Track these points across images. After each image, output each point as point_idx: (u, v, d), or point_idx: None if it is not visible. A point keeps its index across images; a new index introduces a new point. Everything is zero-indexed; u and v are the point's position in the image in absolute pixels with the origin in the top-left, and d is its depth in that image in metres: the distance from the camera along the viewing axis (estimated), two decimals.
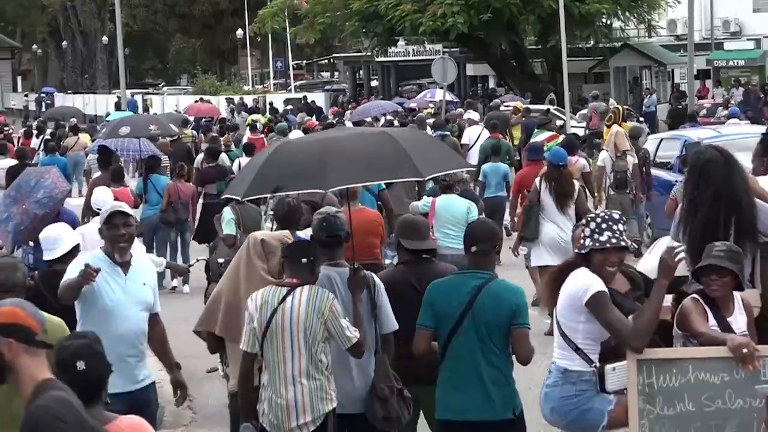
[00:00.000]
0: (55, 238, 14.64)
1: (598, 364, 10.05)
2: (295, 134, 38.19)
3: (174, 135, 41.99)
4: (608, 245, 10.02)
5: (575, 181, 22.55)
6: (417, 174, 12.74)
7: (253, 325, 11.46)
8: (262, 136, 46.07)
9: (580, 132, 48.19)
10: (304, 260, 11.74)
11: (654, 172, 29.26)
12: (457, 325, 11.37)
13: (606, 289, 9.96)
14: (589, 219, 10.50)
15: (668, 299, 10.28)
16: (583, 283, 10.00)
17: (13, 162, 30.60)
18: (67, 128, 55.11)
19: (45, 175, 20.94)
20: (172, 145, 42.28)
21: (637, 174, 28.33)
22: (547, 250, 21.03)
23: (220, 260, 17.54)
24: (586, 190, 26.63)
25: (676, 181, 25.05)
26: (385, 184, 22.61)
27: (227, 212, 19.80)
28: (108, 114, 69.23)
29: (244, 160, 31.70)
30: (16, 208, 19.64)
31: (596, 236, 10.06)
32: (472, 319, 11.28)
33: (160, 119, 46.04)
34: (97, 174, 29.61)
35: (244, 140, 38.95)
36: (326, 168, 12.58)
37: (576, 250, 10.51)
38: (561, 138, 32.79)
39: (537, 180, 22.01)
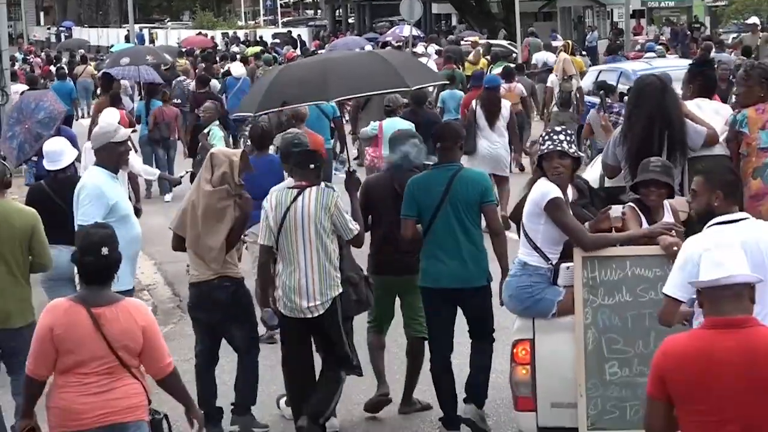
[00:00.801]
0: (59, 152, 14.64)
1: (554, 262, 10.18)
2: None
3: (167, 63, 42.20)
4: (547, 150, 10.24)
5: (507, 102, 23.43)
6: (405, 85, 13.65)
7: (268, 222, 12.04)
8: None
9: None
10: (311, 166, 12.44)
11: (591, 98, 28.40)
12: (437, 209, 12.09)
13: (561, 196, 10.11)
14: (540, 136, 10.74)
15: (619, 210, 10.54)
16: (542, 190, 10.15)
17: (25, 87, 30.30)
18: (77, 58, 54.52)
19: (43, 97, 21.40)
20: (167, 72, 41.66)
21: (581, 96, 28.95)
22: (480, 160, 21.45)
23: None
24: (527, 111, 29.88)
25: (590, 107, 26.18)
26: (363, 104, 25.35)
27: (216, 130, 20.22)
28: (112, 46, 68.62)
29: None
30: (20, 128, 20.01)
31: (541, 146, 10.37)
32: (449, 202, 12.06)
33: (156, 50, 46.90)
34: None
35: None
36: (327, 82, 13.35)
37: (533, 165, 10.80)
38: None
39: (473, 102, 22.88)
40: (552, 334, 10.08)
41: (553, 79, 31.44)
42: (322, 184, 12.29)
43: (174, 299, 19.08)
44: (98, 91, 37.28)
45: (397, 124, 20.02)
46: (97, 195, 12.35)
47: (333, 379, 12.32)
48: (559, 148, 10.22)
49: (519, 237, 10.61)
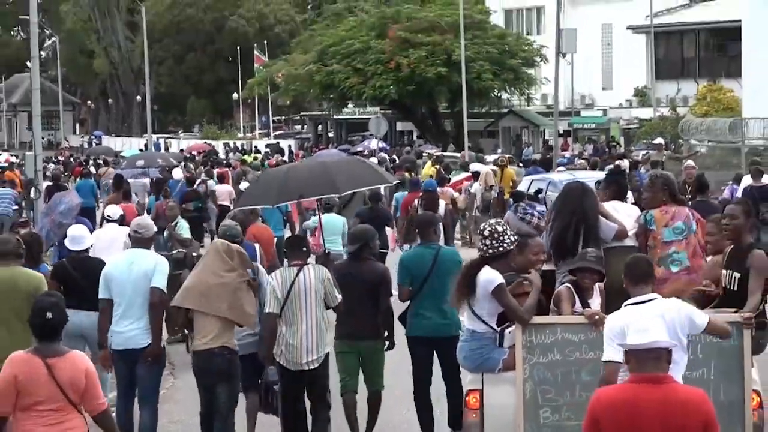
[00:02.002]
0: (81, 236, 14.93)
1: (498, 329, 10.40)
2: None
3: (173, 166, 41.61)
4: (505, 249, 10.59)
5: (443, 202, 23.95)
6: (386, 182, 16.63)
7: (276, 294, 12.28)
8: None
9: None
10: (304, 248, 13.13)
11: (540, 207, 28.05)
12: (426, 277, 13.10)
13: (504, 281, 10.32)
14: (486, 233, 10.71)
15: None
16: (488, 277, 10.33)
17: (49, 183, 30.31)
18: (101, 161, 54.26)
19: (66, 195, 22.98)
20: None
21: (499, 202, 29.92)
22: None
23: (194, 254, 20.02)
24: (456, 209, 29.77)
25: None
26: (347, 202, 24.82)
27: (182, 222, 21.40)
28: (120, 152, 69.31)
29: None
30: (47, 220, 21.05)
31: (488, 244, 10.59)
32: (435, 272, 13.01)
33: (164, 155, 47.26)
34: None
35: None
36: (334, 181, 14.27)
37: (480, 254, 10.73)
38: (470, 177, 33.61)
39: (416, 200, 23.35)
40: (497, 385, 10.27)
41: (477, 188, 31.64)
42: (311, 262, 12.98)
43: (168, 366, 18.07)
44: None
45: (333, 219, 21.61)
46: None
47: (325, 421, 12.66)
48: (501, 250, 10.58)
49: None
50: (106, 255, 15.86)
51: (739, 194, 23.70)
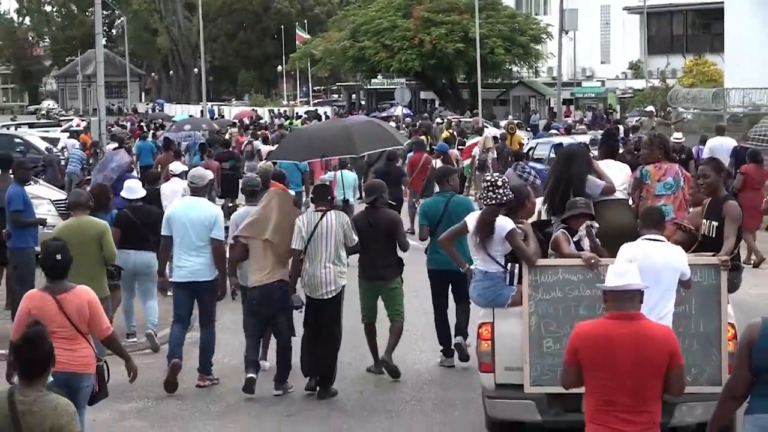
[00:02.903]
0: (136, 188, 15.87)
1: (508, 267, 10.38)
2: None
3: (216, 130, 42.09)
4: (506, 199, 10.71)
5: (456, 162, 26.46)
6: (398, 143, 17.31)
7: (301, 233, 12.53)
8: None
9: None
10: (328, 197, 13.39)
11: (532, 163, 27.77)
12: (440, 220, 13.62)
13: (515, 227, 10.47)
14: (491, 185, 10.80)
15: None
16: (502, 224, 10.47)
17: (115, 144, 29.82)
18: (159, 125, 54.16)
19: (117, 154, 23.45)
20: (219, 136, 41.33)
21: (495, 163, 30.26)
22: None
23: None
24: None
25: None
26: (375, 157, 25.57)
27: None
28: (173, 116, 68.96)
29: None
30: (100, 176, 21.18)
31: (485, 195, 10.76)
32: (447, 216, 13.46)
33: (209, 121, 47.43)
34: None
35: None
36: (354, 142, 15.04)
37: (478, 203, 11.48)
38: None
39: (434, 161, 25.22)
40: (506, 319, 10.29)
41: (476, 151, 31.48)
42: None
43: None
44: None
45: (347, 174, 21.80)
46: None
47: (336, 340, 12.86)
48: (504, 200, 10.72)
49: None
50: (169, 203, 17.16)
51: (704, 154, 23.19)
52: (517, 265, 10.34)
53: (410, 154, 27.82)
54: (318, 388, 12.67)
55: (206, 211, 13.14)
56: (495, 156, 30.82)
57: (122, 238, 14.26)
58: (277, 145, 24.63)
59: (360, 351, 14.17)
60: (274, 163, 18.06)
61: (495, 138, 33.66)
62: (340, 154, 17.64)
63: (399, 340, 13.53)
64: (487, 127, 42.41)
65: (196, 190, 13.47)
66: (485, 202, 10.73)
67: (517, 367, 10.09)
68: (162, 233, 13.32)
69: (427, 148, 30.49)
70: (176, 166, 20.00)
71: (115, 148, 27.11)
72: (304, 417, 11.89)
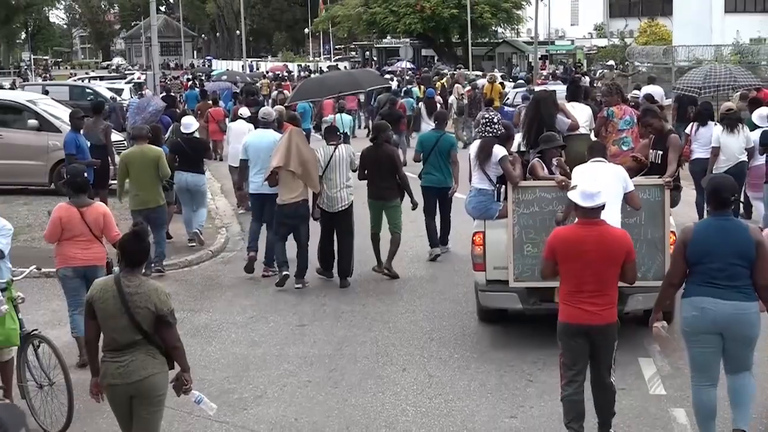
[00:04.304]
0: (191, 123, 15.99)
1: (497, 184, 10.74)
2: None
3: (250, 82, 40.78)
4: (499, 134, 11.02)
5: (438, 104, 25.49)
6: (385, 82, 20.19)
7: (320, 162, 13.13)
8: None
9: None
10: (339, 133, 14.10)
11: (508, 108, 28.13)
12: (431, 150, 14.71)
13: (506, 154, 10.72)
14: (488, 122, 11.13)
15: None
16: (496, 151, 10.73)
17: (163, 93, 29.13)
18: (204, 77, 53.44)
19: (153, 99, 23.16)
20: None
21: (465, 107, 29.99)
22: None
23: None
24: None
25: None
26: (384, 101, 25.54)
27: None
28: (213, 70, 68.83)
29: None
30: (139, 117, 20.57)
31: (484, 129, 11.09)
32: (437, 149, 14.68)
33: (242, 74, 47.43)
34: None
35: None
36: (359, 81, 18.10)
37: (491, 135, 11.02)
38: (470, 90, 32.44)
39: (420, 104, 25.79)
40: (495, 228, 10.54)
41: (452, 100, 30.95)
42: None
43: (242, 233, 17.13)
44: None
45: (345, 116, 21.79)
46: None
47: (349, 245, 13.46)
48: (498, 133, 11.03)
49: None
50: (235, 138, 18.38)
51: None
52: (503, 185, 10.67)
53: (408, 101, 28.12)
54: (340, 279, 13.44)
55: (273, 139, 13.59)
56: (467, 102, 30.43)
57: (178, 162, 15.21)
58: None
59: (364, 270, 13.94)
60: (293, 108, 18.95)
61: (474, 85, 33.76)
62: (351, 90, 19.59)
63: (397, 249, 13.85)
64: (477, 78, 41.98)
65: (265, 124, 14.12)
66: (482, 135, 11.04)
67: (503, 266, 10.37)
68: (240, 157, 14.21)
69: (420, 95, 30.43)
70: (244, 111, 19.97)
71: (162, 97, 26.43)
72: (315, 327, 11.43)
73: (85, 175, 10.02)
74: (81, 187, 9.76)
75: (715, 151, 15.18)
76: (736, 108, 16.24)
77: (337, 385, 9.40)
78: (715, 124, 15.79)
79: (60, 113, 20.80)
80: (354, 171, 13.55)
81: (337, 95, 19.26)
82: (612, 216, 9.01)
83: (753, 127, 15.50)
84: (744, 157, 15.02)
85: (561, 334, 7.56)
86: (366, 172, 13.73)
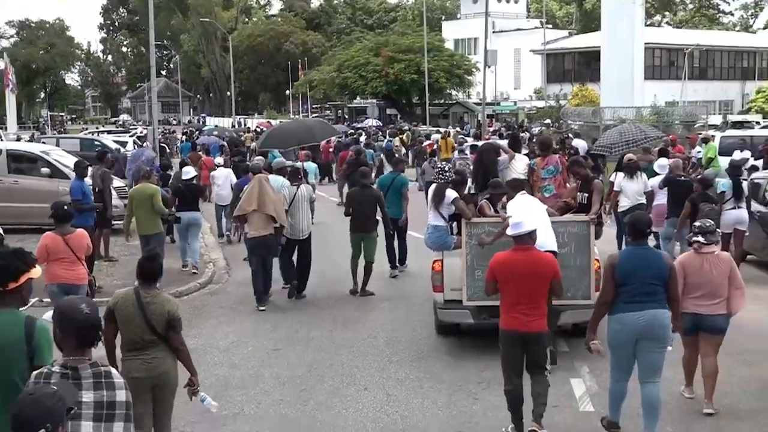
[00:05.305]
0: (188, 171, 16.69)
1: (449, 221, 11.15)
2: None
3: (235, 136, 40.83)
4: (451, 179, 11.46)
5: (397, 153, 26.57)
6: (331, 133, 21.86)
7: (285, 200, 13.58)
8: None
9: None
10: (299, 177, 14.66)
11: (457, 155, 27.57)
12: (388, 188, 15.55)
13: (458, 196, 11.12)
14: (440, 170, 11.69)
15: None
16: (449, 194, 11.13)
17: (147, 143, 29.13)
18: (197, 131, 53.08)
19: (145, 150, 23.74)
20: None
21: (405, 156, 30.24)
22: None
23: None
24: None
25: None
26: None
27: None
28: (206, 126, 68.76)
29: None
30: (134, 165, 20.76)
31: (448, 176, 11.50)
32: (392, 187, 15.63)
33: (229, 129, 47.70)
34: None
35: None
36: (314, 133, 19.31)
37: (443, 180, 11.42)
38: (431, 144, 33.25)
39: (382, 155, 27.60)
40: (451, 257, 10.76)
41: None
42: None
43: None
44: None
45: (311, 164, 22.45)
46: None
47: (308, 264, 14.14)
48: (450, 179, 11.44)
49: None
50: (221, 184, 19.70)
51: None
52: (455, 222, 11.12)
53: (368, 151, 28.17)
54: (296, 291, 13.96)
55: (279, 183, 14.01)
56: (404, 152, 31.60)
57: (178, 202, 15.78)
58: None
59: (333, 298, 13.89)
60: (265, 156, 19.65)
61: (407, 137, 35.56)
62: (308, 142, 20.57)
63: (370, 276, 14.23)
64: (432, 133, 42.06)
65: (278, 171, 14.62)
66: (436, 181, 11.48)
67: (458, 288, 10.56)
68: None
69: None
70: (219, 160, 21.94)
71: (146, 146, 27.03)
72: (288, 351, 11.20)
73: (66, 208, 10.33)
74: (63, 217, 10.12)
75: (616, 195, 15.47)
76: (637, 159, 16.40)
77: (307, 403, 9.18)
78: (617, 173, 16.12)
79: (69, 162, 20.52)
80: (345, 212, 14.56)
81: (298, 146, 20.62)
82: (548, 239, 9.45)
83: (653, 174, 15.87)
84: (643, 200, 15.18)
85: (502, 339, 7.82)
86: (351, 209, 14.28)
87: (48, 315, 5.54)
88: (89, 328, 4.61)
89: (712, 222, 8.86)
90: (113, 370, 4.65)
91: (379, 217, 14.47)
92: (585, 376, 9.78)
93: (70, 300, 4.94)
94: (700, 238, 8.39)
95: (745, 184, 15.55)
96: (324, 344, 11.47)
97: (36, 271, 5.31)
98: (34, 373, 4.62)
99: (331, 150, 32.28)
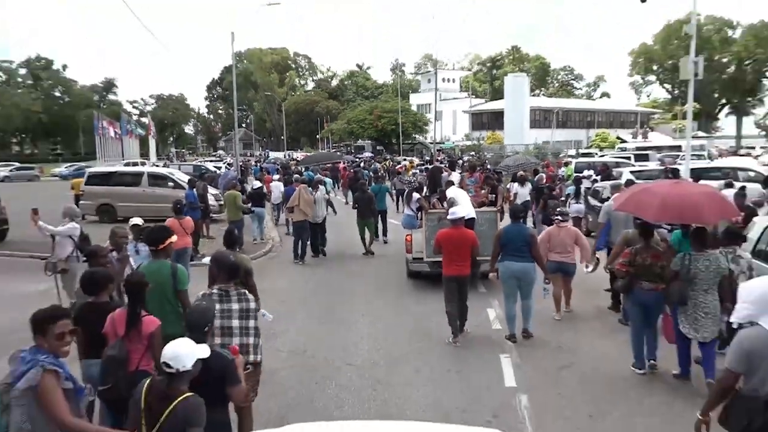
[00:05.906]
0: (256, 183, 15.74)
1: (416, 211, 10.98)
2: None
3: (284, 163, 37.64)
4: (411, 188, 11.53)
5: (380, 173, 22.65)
6: (334, 158, 18.95)
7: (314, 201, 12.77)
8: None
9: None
10: (318, 186, 13.41)
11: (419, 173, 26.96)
12: (376, 193, 14.14)
13: (421, 197, 11.08)
14: (408, 180, 11.61)
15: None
16: (415, 195, 11.19)
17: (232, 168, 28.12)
18: (263, 160, 52.12)
19: (230, 172, 22.27)
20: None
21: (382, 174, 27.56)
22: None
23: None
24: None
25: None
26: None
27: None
28: (268, 157, 65.52)
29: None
30: (224, 180, 19.54)
31: (410, 185, 11.34)
32: (381, 193, 14.49)
33: (282, 158, 45.65)
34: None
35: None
36: (326, 157, 16.03)
37: (411, 188, 11.40)
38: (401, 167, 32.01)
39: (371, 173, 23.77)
40: (416, 233, 10.70)
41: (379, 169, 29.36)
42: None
43: (280, 241, 16.62)
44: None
45: (328, 179, 19.15)
46: None
47: (324, 238, 12.99)
48: (415, 186, 11.72)
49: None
50: (276, 190, 18.09)
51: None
52: (420, 211, 10.90)
53: (346, 172, 26.94)
54: (320, 252, 12.97)
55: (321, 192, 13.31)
56: (382, 172, 29.83)
57: (252, 202, 14.65)
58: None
59: (344, 257, 13.21)
60: (300, 173, 19.11)
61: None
62: (324, 162, 21.37)
63: (373, 241, 13.44)
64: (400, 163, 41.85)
65: (313, 186, 13.51)
66: (408, 188, 12.24)
67: (420, 251, 10.43)
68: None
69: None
70: (275, 177, 20.44)
71: (232, 170, 25.95)
72: (317, 290, 10.87)
73: (179, 205, 9.96)
74: (178, 210, 9.79)
75: (513, 197, 15.52)
76: (524, 174, 16.54)
77: (329, 322, 8.95)
78: (512, 183, 16.34)
79: (185, 179, 20.31)
80: (352, 206, 14.04)
81: (318, 164, 21.07)
82: (471, 212, 9.64)
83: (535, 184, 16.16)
84: (528, 199, 15.16)
85: (445, 281, 7.81)
86: (357, 204, 13.80)
87: (206, 259, 5.86)
88: (233, 267, 5.05)
89: (567, 210, 9.61)
90: (247, 291, 5.07)
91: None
92: (495, 307, 9.51)
93: (222, 252, 5.41)
94: (559, 218, 8.86)
95: (584, 189, 15.51)
96: (339, 286, 11.28)
97: (174, 239, 5.68)
98: (200, 293, 5.16)
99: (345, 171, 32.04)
